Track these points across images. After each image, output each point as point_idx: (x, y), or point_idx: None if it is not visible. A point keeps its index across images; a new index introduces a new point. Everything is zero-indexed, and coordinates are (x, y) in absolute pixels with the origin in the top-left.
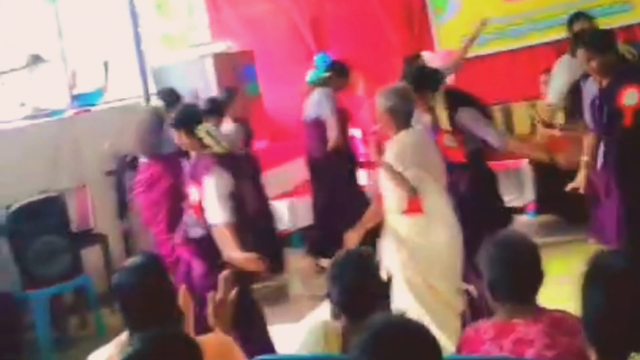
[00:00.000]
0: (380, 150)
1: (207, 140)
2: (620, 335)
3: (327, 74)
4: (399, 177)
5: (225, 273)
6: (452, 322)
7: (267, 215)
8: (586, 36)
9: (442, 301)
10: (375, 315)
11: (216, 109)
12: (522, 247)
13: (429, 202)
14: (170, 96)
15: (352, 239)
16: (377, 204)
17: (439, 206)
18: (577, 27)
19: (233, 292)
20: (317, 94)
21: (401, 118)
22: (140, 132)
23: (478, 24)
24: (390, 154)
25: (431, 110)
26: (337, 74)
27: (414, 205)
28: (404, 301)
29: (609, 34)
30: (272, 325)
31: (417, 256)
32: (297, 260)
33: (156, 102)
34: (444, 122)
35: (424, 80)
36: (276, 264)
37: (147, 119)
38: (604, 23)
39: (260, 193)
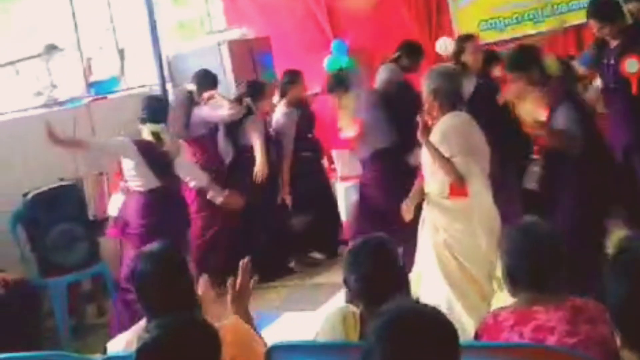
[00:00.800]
0: (427, 131)
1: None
2: None
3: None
4: (445, 162)
5: (244, 261)
6: (482, 307)
7: (326, 197)
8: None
9: (474, 287)
10: (391, 302)
11: (257, 92)
12: (543, 234)
13: (473, 188)
14: (206, 78)
15: (407, 212)
16: (420, 182)
17: (482, 193)
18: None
19: (253, 280)
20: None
21: (446, 100)
22: (174, 114)
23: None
24: (435, 136)
25: None
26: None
27: (457, 190)
28: (435, 284)
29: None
30: (292, 311)
31: (455, 240)
32: None
33: (190, 85)
34: None
35: None
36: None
37: (180, 101)
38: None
39: (321, 176)
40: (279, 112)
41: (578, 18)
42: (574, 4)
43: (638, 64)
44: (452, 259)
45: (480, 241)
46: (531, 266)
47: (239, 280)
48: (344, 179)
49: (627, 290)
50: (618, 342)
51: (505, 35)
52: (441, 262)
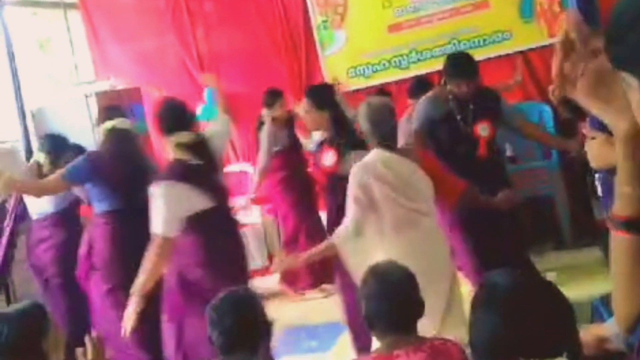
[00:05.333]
0: None
1: None
2: (505, 356)
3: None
4: None
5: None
6: None
7: None
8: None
9: None
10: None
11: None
12: (396, 278)
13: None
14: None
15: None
16: None
17: None
18: None
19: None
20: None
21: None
22: None
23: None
24: None
25: None
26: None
27: None
28: None
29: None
30: None
31: None
32: None
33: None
34: None
35: None
36: None
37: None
38: (484, 53)
39: None
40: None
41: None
42: (437, 50)
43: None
44: None
45: None
46: (385, 309)
47: (89, 351)
48: None
49: (489, 325)
50: None
51: (373, 81)
52: None
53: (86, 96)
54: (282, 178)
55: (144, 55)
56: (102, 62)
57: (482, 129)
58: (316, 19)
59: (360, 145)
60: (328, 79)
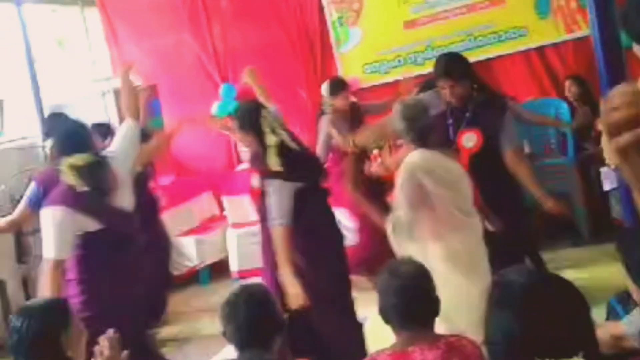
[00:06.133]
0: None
1: None
2: (521, 354)
3: None
4: None
5: (110, 335)
6: None
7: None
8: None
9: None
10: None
11: None
12: (410, 274)
13: None
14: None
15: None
16: None
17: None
18: None
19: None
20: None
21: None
22: None
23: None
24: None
25: None
26: None
27: None
28: None
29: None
30: None
31: None
32: (207, 298)
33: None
34: None
35: None
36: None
37: None
38: (500, 49)
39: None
40: None
41: None
42: (453, 47)
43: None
44: None
45: None
46: (399, 305)
47: (107, 349)
48: (235, 225)
49: (505, 323)
50: None
51: (388, 78)
52: None
53: (104, 93)
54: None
55: (160, 52)
56: (119, 59)
57: (467, 139)
58: (332, 15)
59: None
60: (344, 74)
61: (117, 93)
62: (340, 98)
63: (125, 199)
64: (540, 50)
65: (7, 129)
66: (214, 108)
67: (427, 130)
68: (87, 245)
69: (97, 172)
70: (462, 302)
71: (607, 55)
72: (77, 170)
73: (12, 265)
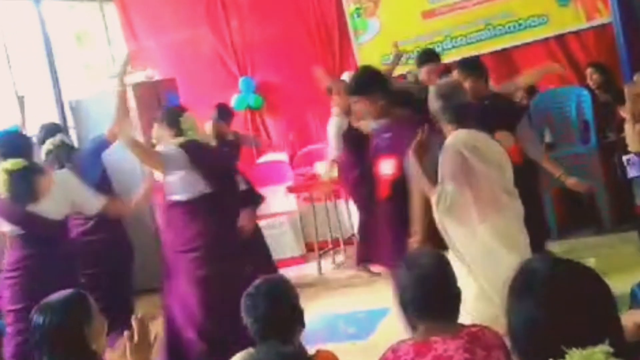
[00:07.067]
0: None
1: None
2: (544, 344)
3: None
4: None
5: (139, 316)
6: None
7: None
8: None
9: None
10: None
11: None
12: (428, 265)
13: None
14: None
15: None
16: None
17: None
18: None
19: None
20: None
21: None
22: None
23: (393, 50)
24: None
25: None
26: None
27: None
28: None
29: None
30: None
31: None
32: None
33: None
34: None
35: None
36: None
37: None
38: (520, 38)
39: None
40: None
41: (479, 50)
42: (472, 36)
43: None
44: None
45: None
46: (419, 297)
47: (136, 333)
48: None
49: (528, 312)
50: None
51: (408, 69)
52: None
53: None
54: None
55: (178, 46)
56: (137, 54)
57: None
58: (349, 7)
59: None
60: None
61: (136, 87)
62: None
63: (52, 209)
64: (561, 38)
65: (27, 125)
66: (233, 101)
67: (464, 110)
68: (12, 245)
69: (22, 180)
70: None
71: (628, 42)
72: (9, 175)
73: None
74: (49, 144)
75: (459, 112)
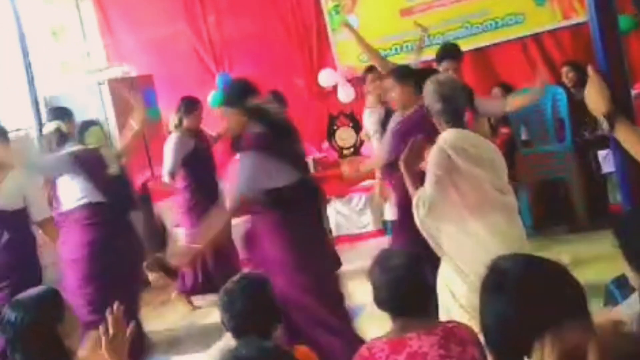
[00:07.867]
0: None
1: None
2: (516, 340)
3: None
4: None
5: (116, 307)
6: None
7: None
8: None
9: None
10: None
11: None
12: (400, 262)
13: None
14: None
15: None
16: None
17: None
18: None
19: (130, 327)
20: None
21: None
22: None
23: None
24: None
25: None
26: None
27: None
28: None
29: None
30: (182, 355)
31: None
32: None
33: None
34: None
35: None
36: None
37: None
38: (497, 36)
39: None
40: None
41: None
42: (449, 34)
43: None
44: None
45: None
46: (391, 294)
47: (110, 327)
48: None
49: (499, 309)
50: None
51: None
52: None
53: (99, 83)
54: None
55: (156, 42)
56: (114, 49)
57: None
58: (327, 4)
59: None
60: (339, 64)
61: (112, 83)
62: None
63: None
64: (537, 37)
65: (1, 120)
66: (210, 98)
67: (462, 110)
68: None
69: None
70: None
71: (604, 41)
72: None
73: None
74: (45, 129)
75: (456, 115)
